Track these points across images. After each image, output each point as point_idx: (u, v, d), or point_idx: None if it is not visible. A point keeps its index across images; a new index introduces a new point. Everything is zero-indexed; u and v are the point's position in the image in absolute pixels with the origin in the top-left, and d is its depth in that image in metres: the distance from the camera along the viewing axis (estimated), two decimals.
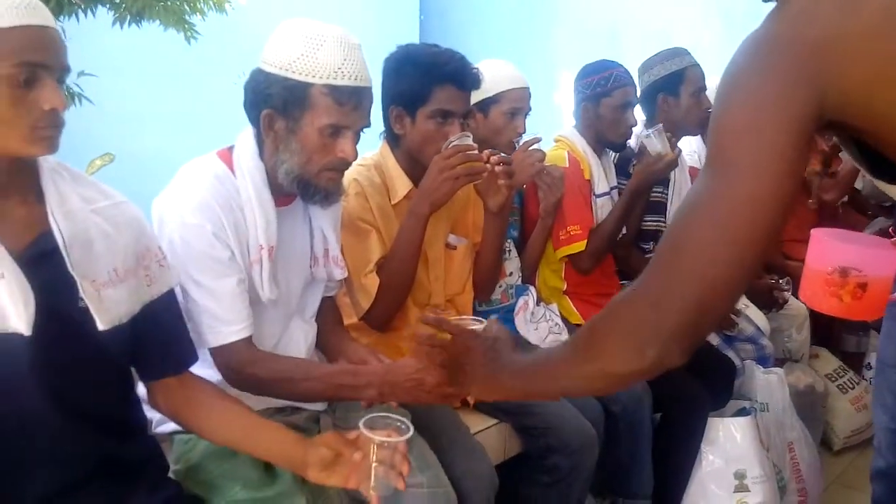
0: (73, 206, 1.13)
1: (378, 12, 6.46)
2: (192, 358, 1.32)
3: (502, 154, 1.84)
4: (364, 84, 1.39)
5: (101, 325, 1.11)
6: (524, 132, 2.18)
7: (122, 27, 3.38)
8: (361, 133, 1.45)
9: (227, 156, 1.47)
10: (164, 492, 1.24)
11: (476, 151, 1.69)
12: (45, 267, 1.08)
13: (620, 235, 2.40)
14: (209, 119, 4.42)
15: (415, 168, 1.83)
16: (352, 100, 1.37)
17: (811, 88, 0.70)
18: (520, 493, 1.87)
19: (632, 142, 2.47)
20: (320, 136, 1.38)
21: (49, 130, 1.05)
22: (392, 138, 1.84)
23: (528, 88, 2.21)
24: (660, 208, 2.54)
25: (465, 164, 1.66)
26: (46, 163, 1.14)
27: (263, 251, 1.43)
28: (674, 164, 2.28)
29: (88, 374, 1.15)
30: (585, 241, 2.29)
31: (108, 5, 3.31)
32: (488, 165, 1.74)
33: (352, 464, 1.18)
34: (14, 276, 1.04)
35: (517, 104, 2.17)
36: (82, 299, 1.10)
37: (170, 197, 1.41)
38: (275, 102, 1.38)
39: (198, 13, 3.51)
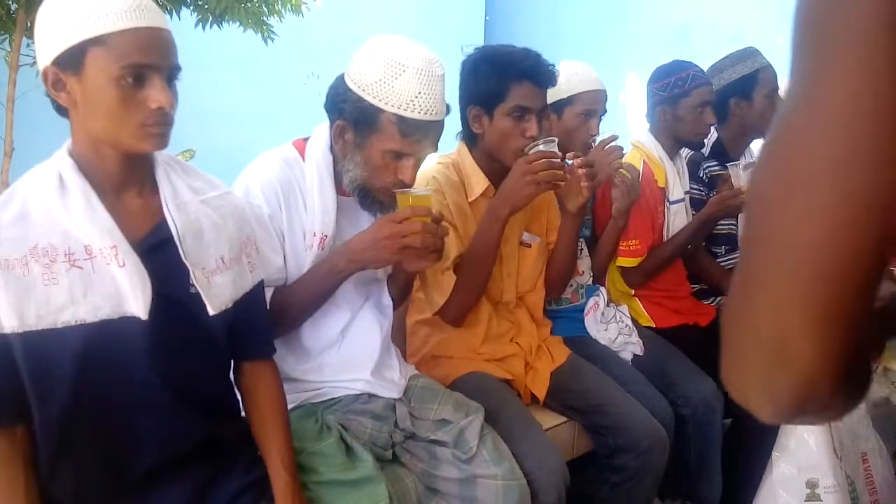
0: (184, 197, 1.21)
1: (444, 14, 6.52)
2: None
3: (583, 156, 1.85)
4: (434, 118, 1.43)
5: (211, 311, 1.19)
6: (598, 134, 2.19)
7: (204, 28, 3.53)
8: (426, 157, 1.50)
9: (301, 144, 1.55)
10: (256, 471, 1.31)
11: (559, 159, 1.70)
12: (160, 255, 1.16)
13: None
14: (282, 116, 4.56)
15: (492, 166, 1.86)
16: (417, 133, 1.41)
17: None
18: (587, 492, 1.88)
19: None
20: (383, 158, 1.44)
21: (158, 128, 1.11)
22: (469, 138, 1.88)
23: (604, 91, 2.21)
24: (730, 240, 2.52)
25: (548, 170, 1.67)
26: (160, 156, 1.22)
27: (316, 238, 1.48)
28: None
29: (195, 357, 1.22)
30: (641, 258, 2.29)
31: (192, 7, 3.45)
32: (569, 172, 1.75)
33: None
34: (133, 265, 1.11)
35: (592, 106, 2.18)
36: (193, 286, 1.18)
37: (243, 176, 1.50)
38: (347, 116, 1.45)
39: (275, 14, 3.63)
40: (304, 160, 1.52)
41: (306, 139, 1.56)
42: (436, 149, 1.49)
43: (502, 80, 1.76)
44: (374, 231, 1.43)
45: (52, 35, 1.07)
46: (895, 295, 0.69)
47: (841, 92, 0.45)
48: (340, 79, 1.48)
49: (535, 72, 1.77)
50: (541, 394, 1.94)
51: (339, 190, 1.52)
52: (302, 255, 1.49)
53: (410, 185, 1.46)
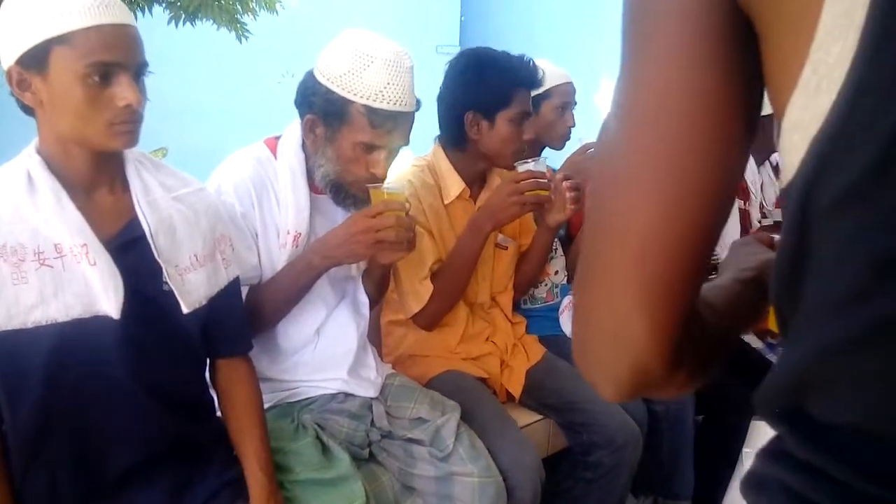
0: (156, 194, 1.19)
1: (420, 14, 6.53)
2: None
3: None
4: (404, 109, 1.42)
5: (185, 308, 1.18)
6: (574, 125, 2.24)
7: (177, 26, 3.50)
8: (398, 151, 1.49)
9: (273, 143, 1.54)
10: (232, 471, 1.30)
11: (546, 179, 1.72)
12: (132, 253, 1.15)
13: None
14: (256, 115, 4.53)
15: (470, 169, 1.88)
16: (387, 123, 1.41)
17: None
18: (563, 488, 1.90)
19: None
20: (354, 151, 1.43)
21: (127, 126, 1.10)
22: (455, 141, 1.87)
23: (572, 83, 2.29)
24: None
25: (534, 191, 1.69)
26: (130, 153, 1.20)
27: (290, 237, 1.48)
28: None
29: (169, 355, 1.21)
30: None
31: (164, 4, 3.42)
32: (555, 190, 1.76)
33: None
34: (105, 263, 1.10)
35: (567, 98, 2.25)
36: (167, 283, 1.17)
37: (215, 175, 1.49)
38: (317, 110, 1.44)
39: (249, 13, 3.62)
40: (276, 158, 1.51)
41: (278, 138, 1.56)
42: (406, 142, 1.48)
43: (507, 86, 1.78)
44: (347, 226, 1.42)
45: (14, 34, 1.05)
46: (769, 262, 0.72)
47: (652, 91, 0.46)
48: (310, 73, 1.48)
49: (534, 78, 1.82)
50: (516, 392, 1.96)
51: (313, 188, 1.52)
52: (276, 254, 1.49)
53: (383, 179, 1.46)
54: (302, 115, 1.48)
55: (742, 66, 0.45)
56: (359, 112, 1.40)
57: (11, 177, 1.10)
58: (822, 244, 0.40)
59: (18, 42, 1.04)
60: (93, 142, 1.10)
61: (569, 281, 2.34)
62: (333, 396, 1.59)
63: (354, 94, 1.39)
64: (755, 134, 0.47)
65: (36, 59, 1.04)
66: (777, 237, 0.86)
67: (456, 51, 1.99)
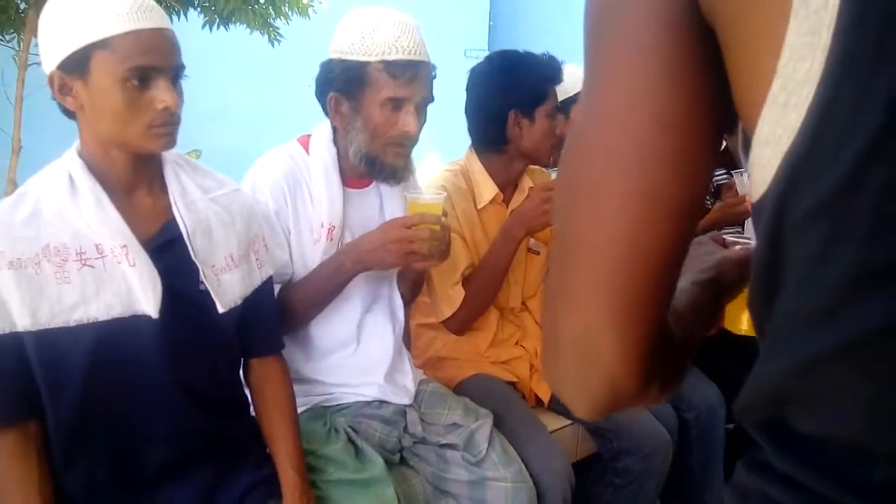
0: (193, 195, 1.22)
1: (448, 19, 6.55)
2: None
3: None
4: (419, 58, 1.43)
5: (220, 308, 1.20)
6: None
7: (211, 30, 3.55)
8: (426, 108, 1.50)
9: (305, 140, 1.56)
10: (266, 469, 1.31)
11: None
12: (169, 254, 1.17)
13: None
14: (286, 118, 4.58)
15: (504, 173, 1.89)
16: (407, 72, 1.42)
17: None
18: (592, 494, 1.89)
19: None
20: (381, 111, 1.44)
21: (165, 128, 1.12)
22: (493, 144, 1.88)
23: None
24: None
25: None
26: (168, 155, 1.23)
27: (324, 230, 1.49)
28: None
29: (205, 354, 1.23)
30: None
31: (199, 9, 3.47)
32: None
33: None
34: (144, 264, 1.12)
35: None
36: (203, 283, 1.19)
37: (250, 174, 1.52)
38: (337, 85, 1.46)
39: (282, 17, 3.66)
40: (308, 154, 1.53)
41: (309, 136, 1.58)
42: (431, 96, 1.48)
43: (545, 82, 1.83)
44: (382, 233, 1.43)
45: (56, 40, 1.07)
46: (725, 260, 0.71)
47: (616, 99, 0.45)
48: (323, 62, 1.50)
49: (558, 73, 1.87)
50: (545, 396, 1.95)
51: (345, 181, 1.53)
52: (309, 251, 1.50)
53: (414, 137, 1.47)
54: (324, 103, 1.50)
55: (709, 77, 0.44)
56: (377, 70, 1.41)
57: (54, 179, 1.13)
58: (796, 257, 0.40)
59: (60, 47, 1.07)
60: (132, 144, 1.12)
61: None
62: (368, 403, 1.59)
63: (369, 55, 1.41)
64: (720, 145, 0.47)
65: (77, 64, 1.07)
66: (729, 237, 0.86)
67: (485, 55, 2.00)
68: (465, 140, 1.96)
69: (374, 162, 1.48)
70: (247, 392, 1.39)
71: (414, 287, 1.72)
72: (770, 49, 0.39)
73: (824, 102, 0.37)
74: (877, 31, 0.34)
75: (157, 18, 1.09)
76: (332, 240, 1.49)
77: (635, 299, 0.46)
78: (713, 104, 0.45)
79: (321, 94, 1.51)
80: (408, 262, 1.44)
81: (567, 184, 0.49)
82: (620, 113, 0.45)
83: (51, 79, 1.10)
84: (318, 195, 1.49)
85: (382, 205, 1.61)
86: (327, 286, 1.49)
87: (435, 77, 1.50)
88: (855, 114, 0.35)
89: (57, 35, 1.07)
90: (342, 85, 1.45)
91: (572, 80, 2.12)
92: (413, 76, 1.43)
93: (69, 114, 1.14)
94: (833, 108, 0.36)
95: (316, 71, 1.51)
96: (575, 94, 2.18)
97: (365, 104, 1.44)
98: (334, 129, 1.53)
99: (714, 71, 0.44)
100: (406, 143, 1.47)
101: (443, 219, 1.45)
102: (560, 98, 2.01)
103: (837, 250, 0.37)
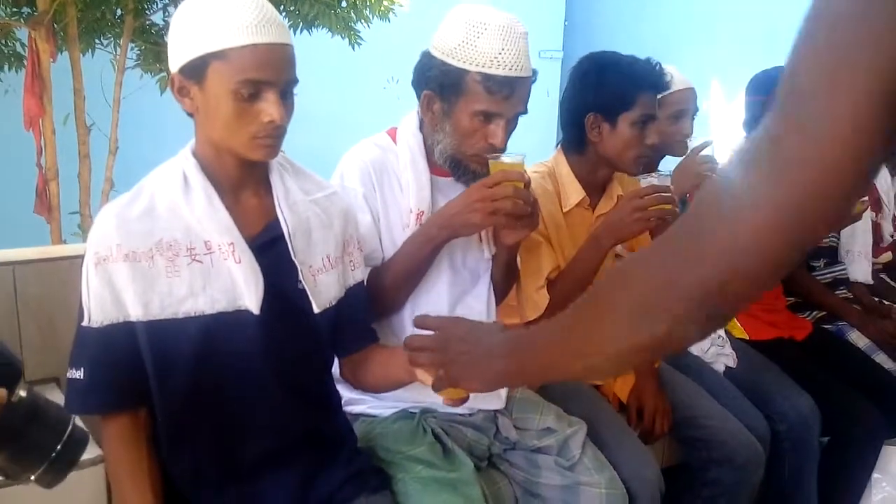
0: (295, 197, 1.25)
1: (524, 19, 6.52)
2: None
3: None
4: (521, 74, 1.41)
5: (316, 308, 1.23)
6: (691, 134, 2.16)
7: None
8: (517, 119, 1.47)
9: (393, 132, 1.58)
10: (357, 464, 1.34)
11: (670, 194, 1.65)
12: (271, 252, 1.20)
13: None
14: (363, 120, 4.64)
15: (592, 177, 1.85)
16: (504, 89, 1.40)
17: None
18: (681, 503, 1.84)
19: None
20: (471, 122, 1.43)
21: (268, 140, 1.15)
22: (576, 145, 1.85)
23: (692, 89, 2.19)
24: (831, 253, 2.44)
25: (658, 206, 1.63)
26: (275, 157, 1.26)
27: (413, 215, 1.49)
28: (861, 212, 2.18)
29: (302, 352, 1.26)
30: None
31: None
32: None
33: None
34: (249, 261, 1.16)
35: (682, 106, 2.16)
36: (301, 282, 1.22)
37: (340, 164, 1.53)
38: (434, 85, 1.45)
39: (363, 20, 3.71)
40: (396, 144, 1.54)
41: (396, 128, 1.59)
42: (525, 109, 1.47)
43: (632, 89, 1.74)
44: (465, 195, 1.42)
45: (179, 45, 1.12)
46: None
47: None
48: (426, 52, 1.49)
49: (661, 81, 1.77)
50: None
51: (433, 169, 1.53)
52: (399, 237, 1.50)
53: (502, 149, 1.45)
54: (419, 94, 1.50)
55: None
56: (474, 81, 1.40)
57: (169, 176, 1.17)
58: None
59: (182, 52, 1.11)
60: (236, 151, 1.16)
61: None
62: (460, 412, 1.56)
63: (469, 64, 1.40)
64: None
65: (195, 71, 1.11)
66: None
67: (560, 56, 1.96)
68: (542, 142, 1.92)
69: (458, 165, 1.49)
70: (339, 390, 1.41)
71: (507, 273, 1.67)
72: None
73: None
74: None
75: (276, 33, 1.11)
76: (421, 225, 1.50)
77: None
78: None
79: (416, 85, 1.52)
80: (494, 222, 1.43)
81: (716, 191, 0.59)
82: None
83: (172, 80, 1.15)
84: (407, 182, 1.50)
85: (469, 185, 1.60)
86: (416, 257, 1.48)
87: (535, 81, 1.48)
88: None
89: (181, 40, 1.12)
90: (438, 86, 1.45)
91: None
92: (510, 93, 1.41)
93: (188, 113, 1.18)
94: None
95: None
96: (661, 97, 2.10)
97: (457, 111, 1.44)
98: (421, 120, 1.54)
99: None
100: (492, 153, 1.46)
101: (526, 176, 1.42)
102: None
103: None
